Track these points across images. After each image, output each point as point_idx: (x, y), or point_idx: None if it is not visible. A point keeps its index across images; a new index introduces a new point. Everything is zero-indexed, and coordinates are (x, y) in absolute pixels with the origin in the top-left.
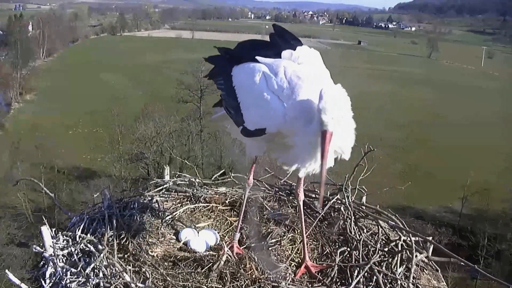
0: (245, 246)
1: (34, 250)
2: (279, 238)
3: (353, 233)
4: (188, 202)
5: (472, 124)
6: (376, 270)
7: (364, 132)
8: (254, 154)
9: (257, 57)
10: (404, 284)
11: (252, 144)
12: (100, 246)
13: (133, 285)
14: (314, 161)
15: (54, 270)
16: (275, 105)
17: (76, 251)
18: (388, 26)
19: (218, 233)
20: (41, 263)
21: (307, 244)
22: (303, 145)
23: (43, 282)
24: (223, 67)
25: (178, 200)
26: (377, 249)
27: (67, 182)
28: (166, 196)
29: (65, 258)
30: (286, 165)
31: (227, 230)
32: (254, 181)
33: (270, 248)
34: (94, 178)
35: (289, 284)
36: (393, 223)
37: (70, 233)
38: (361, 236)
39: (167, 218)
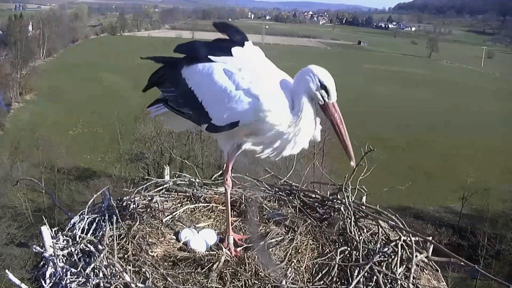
0: (244, 246)
1: (34, 250)
2: (279, 238)
3: (353, 233)
4: (188, 202)
5: (472, 124)
6: (376, 270)
7: (364, 132)
8: (227, 150)
9: (210, 57)
10: (404, 284)
11: (223, 139)
12: (100, 246)
13: (133, 285)
14: (293, 144)
15: (54, 270)
16: (247, 98)
17: (76, 251)
18: (388, 26)
19: (218, 233)
20: (41, 263)
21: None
22: (286, 131)
23: (43, 282)
24: (170, 72)
25: (178, 200)
26: (377, 249)
27: (67, 182)
28: (166, 196)
29: (65, 258)
30: (264, 152)
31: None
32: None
33: (270, 248)
34: (94, 178)
35: (289, 284)
36: (393, 223)
37: (70, 233)
38: (361, 236)
39: (167, 218)
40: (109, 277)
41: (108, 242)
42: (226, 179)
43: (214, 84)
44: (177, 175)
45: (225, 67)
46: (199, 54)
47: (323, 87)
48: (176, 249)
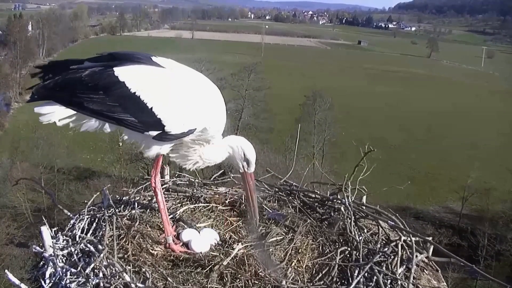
0: (245, 245)
1: (33, 250)
2: (279, 238)
3: (353, 233)
4: (188, 202)
5: (472, 124)
6: (376, 270)
7: (364, 132)
8: (157, 153)
9: (152, 58)
10: (404, 284)
11: (163, 144)
12: (100, 246)
13: (133, 285)
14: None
15: (54, 270)
16: (204, 106)
17: (76, 251)
18: (388, 26)
19: (218, 233)
20: (41, 263)
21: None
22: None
23: (42, 282)
24: (100, 77)
25: (178, 200)
26: (377, 249)
27: (67, 182)
28: (166, 196)
29: (65, 258)
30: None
31: (227, 230)
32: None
33: (270, 248)
34: (94, 178)
35: (289, 284)
36: (393, 223)
37: (70, 233)
38: (361, 236)
39: None
40: (109, 277)
41: (108, 242)
42: (154, 177)
43: (173, 91)
44: (177, 175)
45: (172, 73)
46: (134, 58)
47: (245, 159)
48: None
